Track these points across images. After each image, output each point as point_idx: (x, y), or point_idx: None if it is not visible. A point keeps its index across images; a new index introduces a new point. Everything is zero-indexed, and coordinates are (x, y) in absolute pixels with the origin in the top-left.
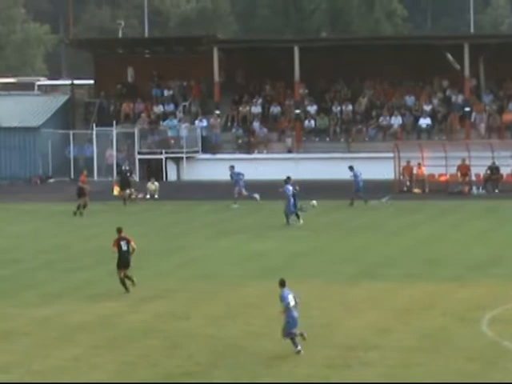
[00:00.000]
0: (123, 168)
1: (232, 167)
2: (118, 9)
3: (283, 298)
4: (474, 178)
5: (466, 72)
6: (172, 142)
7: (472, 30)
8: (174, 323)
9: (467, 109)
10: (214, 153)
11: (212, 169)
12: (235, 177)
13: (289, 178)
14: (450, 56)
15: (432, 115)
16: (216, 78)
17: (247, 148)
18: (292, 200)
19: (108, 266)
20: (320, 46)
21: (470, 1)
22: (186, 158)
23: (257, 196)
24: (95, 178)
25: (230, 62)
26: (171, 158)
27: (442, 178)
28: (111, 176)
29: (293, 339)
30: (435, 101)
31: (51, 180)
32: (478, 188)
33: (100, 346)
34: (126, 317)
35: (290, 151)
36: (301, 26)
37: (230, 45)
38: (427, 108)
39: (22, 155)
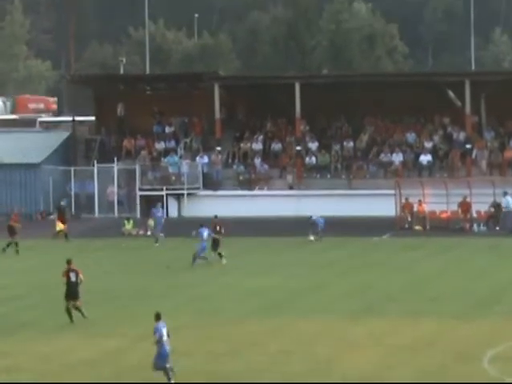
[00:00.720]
0: (61, 203)
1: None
2: (119, 45)
3: (156, 330)
4: (475, 215)
5: (468, 109)
6: (173, 178)
7: (473, 67)
8: (177, 360)
9: (468, 146)
10: (215, 189)
11: (213, 205)
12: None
13: (215, 216)
14: (451, 93)
15: (433, 152)
16: (217, 114)
17: (248, 184)
18: (203, 244)
19: (110, 302)
20: (321, 82)
21: (471, 37)
22: (187, 194)
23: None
24: (96, 214)
25: (231, 98)
26: (172, 195)
27: (443, 215)
28: (112, 212)
29: (165, 371)
30: (436, 137)
31: (52, 216)
32: (479, 225)
33: (102, 382)
34: (127, 353)
35: (291, 188)
36: (302, 62)
37: (231, 81)
38: (428, 145)
39: (23, 191)
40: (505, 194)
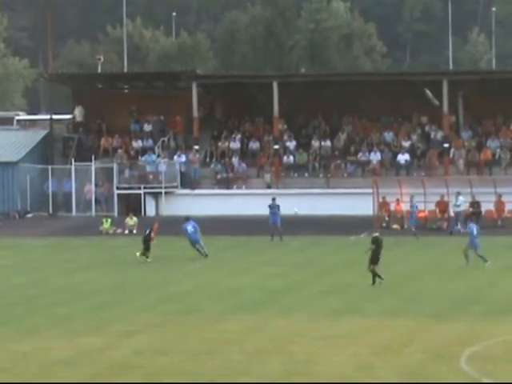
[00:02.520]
0: None
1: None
2: (97, 44)
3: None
4: (452, 214)
5: (445, 108)
6: (151, 177)
7: (451, 66)
8: (153, 359)
9: (446, 145)
10: (192, 188)
11: (191, 204)
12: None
13: (187, 218)
14: (428, 92)
15: (411, 151)
16: (195, 113)
17: (226, 183)
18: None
19: (87, 300)
20: (299, 81)
21: (448, 37)
22: (165, 193)
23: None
24: (73, 213)
25: (209, 97)
26: (150, 193)
27: (421, 214)
28: (89, 211)
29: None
30: (414, 137)
31: (29, 215)
32: (457, 224)
33: (80, 382)
34: (105, 352)
35: (268, 187)
36: (280, 61)
37: (209, 80)
38: (406, 144)
39: (0, 190)
40: (458, 194)
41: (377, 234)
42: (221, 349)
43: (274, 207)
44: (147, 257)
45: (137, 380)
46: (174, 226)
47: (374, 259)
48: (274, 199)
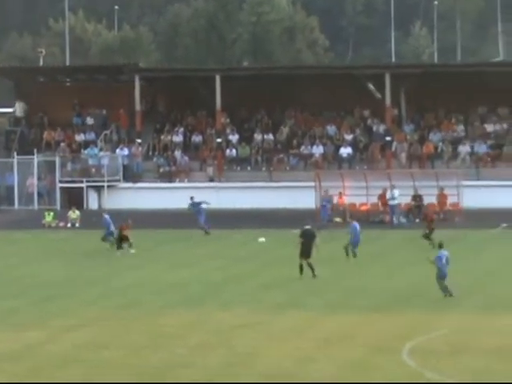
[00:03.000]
0: None
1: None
2: (39, 37)
3: None
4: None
5: (388, 101)
6: (93, 170)
7: (393, 60)
8: (95, 353)
9: (388, 138)
10: (135, 181)
11: (133, 197)
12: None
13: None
14: (371, 85)
15: (353, 144)
16: (137, 106)
17: (169, 177)
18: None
19: (30, 294)
20: (241, 75)
21: (391, 31)
22: (108, 186)
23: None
24: (16, 206)
25: (152, 90)
26: (92, 187)
27: (363, 208)
28: (32, 204)
29: None
30: (357, 130)
31: None
32: (398, 217)
33: (20, 375)
34: (47, 346)
35: (211, 180)
36: (222, 55)
37: (151, 73)
38: (348, 137)
39: None
40: (392, 187)
41: (307, 227)
42: (163, 343)
43: (195, 205)
44: (129, 247)
45: (78, 373)
46: (116, 219)
47: (304, 252)
48: (192, 198)
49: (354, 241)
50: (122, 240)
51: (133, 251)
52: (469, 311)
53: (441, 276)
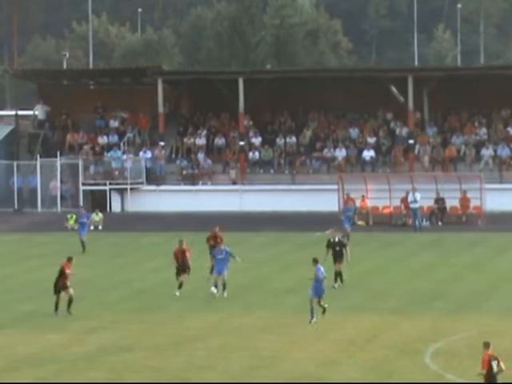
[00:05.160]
0: None
1: None
2: (62, 40)
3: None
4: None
5: (410, 105)
6: (116, 173)
7: (416, 63)
8: (118, 355)
9: (411, 141)
10: (158, 184)
11: (156, 200)
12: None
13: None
14: (394, 88)
15: (376, 147)
16: (160, 109)
17: (192, 179)
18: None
19: (51, 297)
20: (264, 77)
21: (414, 34)
22: (131, 189)
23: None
24: (39, 209)
25: (175, 93)
26: (115, 189)
27: (386, 211)
28: (55, 207)
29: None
30: (379, 133)
31: None
32: (421, 220)
33: (44, 377)
34: (70, 348)
35: (234, 183)
36: (246, 58)
37: (174, 76)
38: (371, 140)
39: None
40: (414, 190)
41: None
42: (185, 345)
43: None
44: None
45: (100, 376)
46: (139, 222)
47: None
48: (82, 208)
49: (316, 291)
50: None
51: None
52: (491, 314)
53: (317, 293)
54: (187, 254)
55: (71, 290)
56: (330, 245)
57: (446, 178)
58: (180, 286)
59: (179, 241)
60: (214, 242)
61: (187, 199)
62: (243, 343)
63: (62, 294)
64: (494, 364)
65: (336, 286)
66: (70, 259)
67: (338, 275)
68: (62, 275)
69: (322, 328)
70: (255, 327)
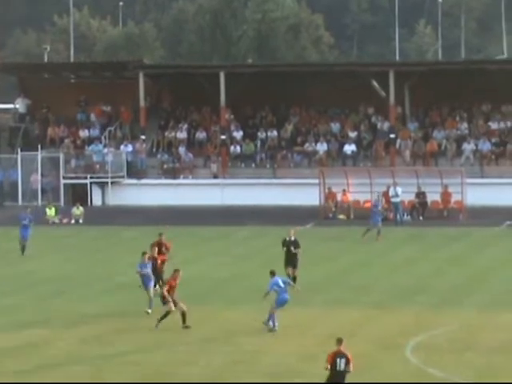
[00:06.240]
0: None
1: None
2: (43, 33)
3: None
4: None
5: (392, 99)
6: (97, 166)
7: (397, 58)
8: (100, 349)
9: (392, 136)
10: (139, 178)
11: (137, 194)
12: None
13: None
14: (375, 83)
15: (357, 142)
16: (142, 103)
17: (173, 173)
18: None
19: (33, 291)
20: (246, 72)
21: (395, 29)
22: (111, 182)
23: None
24: (20, 202)
25: (156, 87)
26: (96, 183)
27: (367, 205)
28: (36, 200)
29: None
30: (361, 127)
31: None
32: (402, 214)
33: (25, 371)
34: (51, 343)
35: (215, 177)
36: (228, 52)
37: (156, 70)
38: (352, 135)
39: None
40: (395, 184)
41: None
42: (167, 339)
43: (24, 219)
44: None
45: (82, 370)
46: (120, 216)
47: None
48: (27, 209)
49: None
50: None
51: None
52: (472, 308)
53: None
54: (164, 248)
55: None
56: (285, 244)
57: (427, 172)
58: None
59: (159, 233)
60: (158, 251)
61: (168, 193)
62: (225, 338)
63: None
64: (340, 361)
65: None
66: (176, 270)
67: (294, 279)
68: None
69: (304, 322)
70: (237, 322)
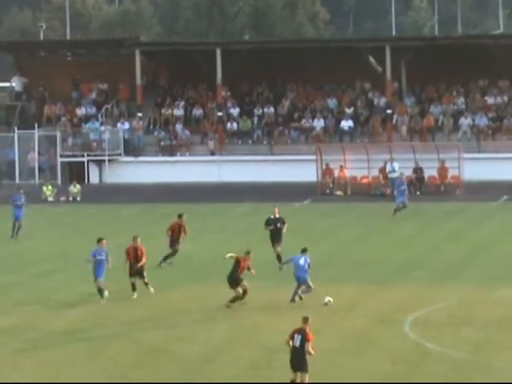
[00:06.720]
0: None
1: None
2: (39, 11)
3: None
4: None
5: (388, 75)
6: (94, 144)
7: (394, 33)
8: (97, 327)
9: (389, 111)
10: (136, 155)
11: (134, 171)
12: None
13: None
14: (371, 59)
15: (354, 117)
16: (138, 80)
17: (170, 151)
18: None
19: (29, 269)
20: (242, 48)
21: (391, 4)
22: (109, 160)
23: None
24: (17, 180)
25: (153, 64)
26: (93, 161)
27: (364, 181)
28: (33, 179)
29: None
30: (357, 103)
31: None
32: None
33: (23, 349)
34: (49, 320)
35: (212, 154)
36: (224, 28)
37: (152, 47)
38: (349, 110)
39: None
40: (392, 160)
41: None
42: (165, 316)
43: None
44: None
45: (79, 348)
46: (117, 193)
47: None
48: (19, 189)
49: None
50: None
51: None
52: (469, 283)
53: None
54: (139, 253)
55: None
56: (270, 222)
57: (424, 147)
58: (134, 289)
59: (133, 237)
60: (134, 256)
61: (165, 170)
62: (225, 314)
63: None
64: (296, 338)
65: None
66: (248, 252)
67: (277, 257)
68: (237, 267)
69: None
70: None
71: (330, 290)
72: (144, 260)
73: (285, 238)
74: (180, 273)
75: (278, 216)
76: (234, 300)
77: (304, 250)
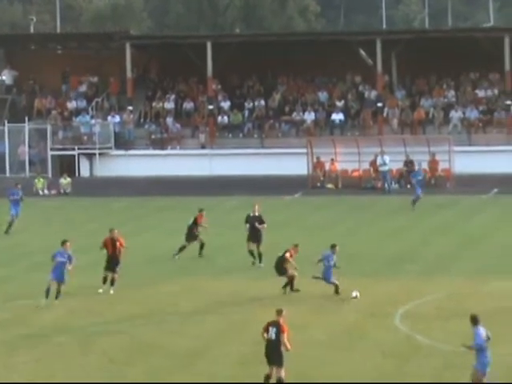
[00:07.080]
0: None
1: None
2: (29, 4)
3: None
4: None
5: (379, 68)
6: (85, 138)
7: (384, 26)
8: (87, 320)
9: (380, 104)
10: (127, 149)
11: (125, 165)
12: None
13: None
14: (362, 52)
15: (345, 111)
16: (129, 74)
17: (160, 144)
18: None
19: (22, 262)
20: (233, 41)
21: None
22: (99, 154)
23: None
24: (7, 174)
25: (143, 57)
26: (84, 154)
27: (355, 174)
28: (24, 172)
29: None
30: (348, 96)
31: None
32: (390, 183)
33: (13, 342)
34: (40, 314)
35: (203, 147)
36: (214, 22)
37: (142, 41)
38: (340, 103)
39: None
40: (383, 153)
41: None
42: (156, 311)
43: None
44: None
45: (70, 341)
46: (108, 187)
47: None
48: (16, 185)
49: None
50: None
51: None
52: (460, 276)
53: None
54: (118, 245)
55: None
56: (249, 219)
57: (414, 140)
58: (105, 282)
59: (110, 229)
60: (111, 249)
61: (156, 164)
62: (215, 308)
63: None
64: (271, 331)
65: (261, 265)
66: (296, 245)
67: (259, 256)
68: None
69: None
70: (227, 292)
71: (321, 283)
72: (122, 250)
73: (265, 236)
74: (170, 267)
75: (257, 214)
76: (286, 285)
77: (333, 246)
